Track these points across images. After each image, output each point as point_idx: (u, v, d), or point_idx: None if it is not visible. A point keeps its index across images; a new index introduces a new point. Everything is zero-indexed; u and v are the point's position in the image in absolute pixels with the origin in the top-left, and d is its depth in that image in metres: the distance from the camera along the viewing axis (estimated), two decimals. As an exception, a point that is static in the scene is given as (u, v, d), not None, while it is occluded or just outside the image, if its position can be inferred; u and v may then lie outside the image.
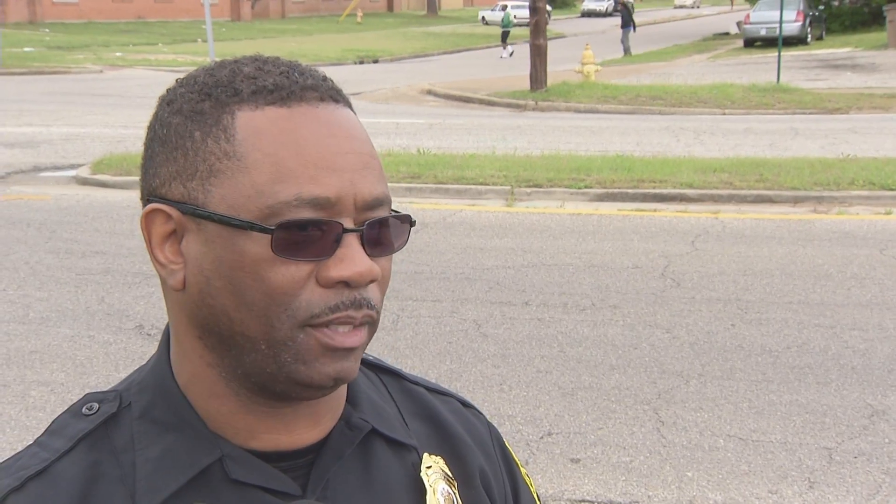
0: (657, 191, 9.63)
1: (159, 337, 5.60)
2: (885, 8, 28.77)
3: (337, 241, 0.80)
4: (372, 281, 0.81)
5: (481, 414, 1.06)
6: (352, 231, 0.80)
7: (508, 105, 19.12)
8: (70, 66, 26.88)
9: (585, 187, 9.81)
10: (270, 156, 0.79)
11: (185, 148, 0.82)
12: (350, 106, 0.86)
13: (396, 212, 0.86)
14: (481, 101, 19.86)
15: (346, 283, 0.80)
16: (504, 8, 35.38)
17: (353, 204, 0.80)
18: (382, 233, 0.83)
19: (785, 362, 5.23)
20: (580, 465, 4.17)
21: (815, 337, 5.60)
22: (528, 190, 9.85)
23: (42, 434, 0.87)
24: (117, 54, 31.13)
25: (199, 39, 36.21)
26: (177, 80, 0.87)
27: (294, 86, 0.82)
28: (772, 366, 5.18)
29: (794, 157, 11.21)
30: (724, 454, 4.24)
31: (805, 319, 5.89)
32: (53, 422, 0.88)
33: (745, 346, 5.48)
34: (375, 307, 0.82)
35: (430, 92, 21.68)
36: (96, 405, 0.87)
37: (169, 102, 0.85)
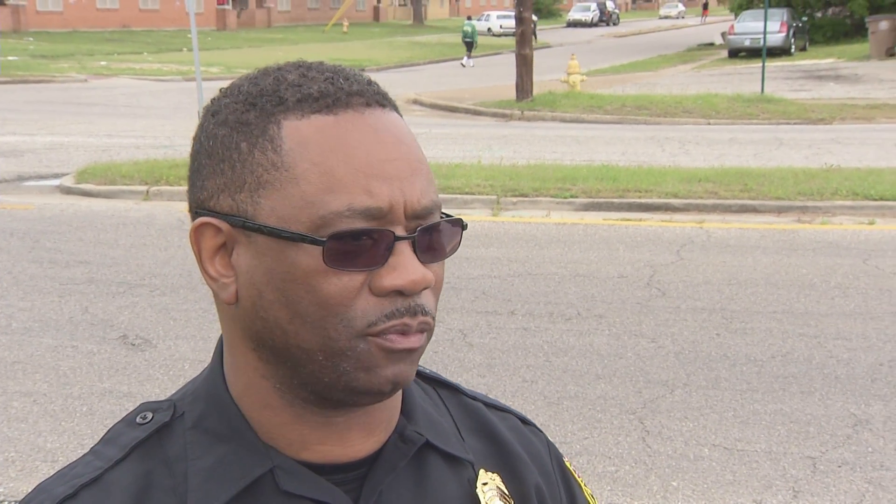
0: (642, 200, 9.67)
1: (143, 347, 5.55)
2: (867, 19, 29.06)
3: (389, 250, 0.78)
4: (426, 288, 0.80)
5: (541, 431, 1.04)
6: (403, 239, 0.79)
7: (494, 115, 19.16)
8: (54, 75, 26.76)
9: (571, 197, 9.84)
10: (319, 165, 0.77)
11: (233, 160, 0.80)
12: (396, 109, 0.85)
13: (447, 215, 0.84)
14: (467, 111, 19.90)
15: (399, 292, 0.79)
16: (469, 18, 35.37)
17: (403, 212, 0.79)
18: (434, 239, 0.82)
19: (769, 372, 5.25)
20: (566, 475, 4.16)
21: (799, 346, 5.62)
22: (514, 199, 9.87)
23: (97, 443, 0.88)
24: (102, 63, 31.02)
25: (185, 48, 36.14)
26: (220, 90, 0.86)
27: (340, 92, 0.80)
28: (756, 375, 5.20)
29: (778, 167, 11.27)
30: (709, 464, 4.25)
31: (789, 329, 5.91)
32: (108, 431, 0.88)
33: (730, 355, 5.49)
34: (430, 313, 0.81)
35: (416, 101, 21.70)
36: (150, 414, 0.87)
37: (214, 113, 0.83)
